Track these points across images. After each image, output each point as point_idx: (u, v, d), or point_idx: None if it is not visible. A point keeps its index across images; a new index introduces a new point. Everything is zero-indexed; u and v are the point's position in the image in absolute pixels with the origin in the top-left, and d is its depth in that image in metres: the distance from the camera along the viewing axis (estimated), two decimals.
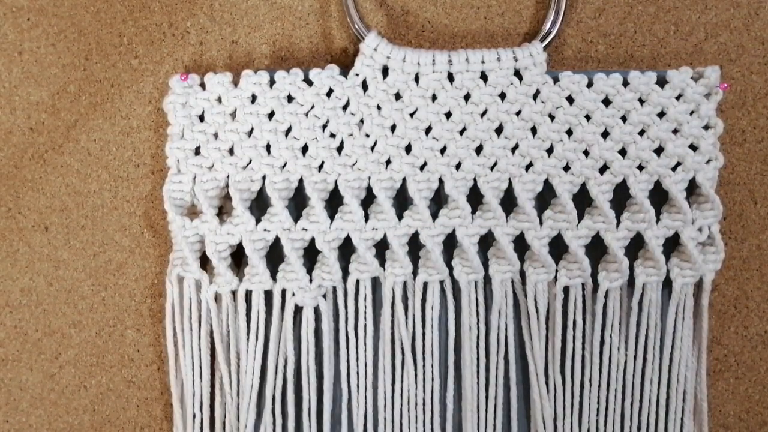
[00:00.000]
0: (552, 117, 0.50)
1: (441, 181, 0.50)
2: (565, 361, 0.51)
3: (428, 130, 0.50)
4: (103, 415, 0.53)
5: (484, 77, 0.50)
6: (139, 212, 0.53)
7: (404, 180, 0.50)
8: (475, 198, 0.50)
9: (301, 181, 0.50)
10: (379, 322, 0.51)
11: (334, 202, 0.50)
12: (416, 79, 0.50)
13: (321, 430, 0.51)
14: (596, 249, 0.51)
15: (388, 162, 0.50)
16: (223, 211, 0.51)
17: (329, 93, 0.50)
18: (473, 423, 0.51)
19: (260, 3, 0.52)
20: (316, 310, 0.50)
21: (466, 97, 0.50)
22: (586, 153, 0.50)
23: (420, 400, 0.51)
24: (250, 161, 0.50)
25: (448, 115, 0.50)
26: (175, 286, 0.50)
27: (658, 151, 0.50)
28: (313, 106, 0.50)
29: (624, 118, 0.50)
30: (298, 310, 0.50)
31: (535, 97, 0.50)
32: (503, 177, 0.50)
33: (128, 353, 0.53)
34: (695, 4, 0.53)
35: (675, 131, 0.50)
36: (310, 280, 0.50)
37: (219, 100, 0.50)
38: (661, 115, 0.50)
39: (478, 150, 0.50)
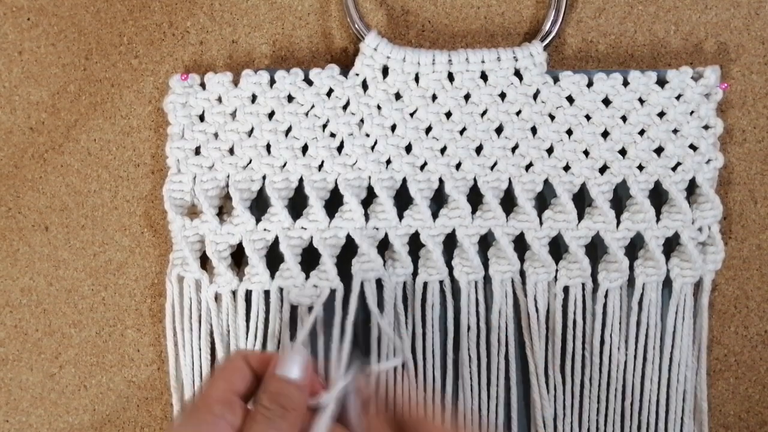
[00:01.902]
0: (552, 117, 0.50)
1: (441, 181, 0.50)
2: (565, 361, 0.51)
3: (428, 130, 0.50)
4: (103, 414, 0.53)
5: (484, 77, 0.50)
6: (139, 212, 0.53)
7: (404, 180, 0.50)
8: (475, 198, 0.50)
9: (301, 180, 0.50)
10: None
11: (336, 204, 0.50)
12: (416, 79, 0.50)
13: None
14: (596, 249, 0.51)
15: (389, 162, 0.50)
16: (223, 211, 0.51)
17: (329, 93, 0.50)
18: (473, 423, 0.51)
19: (260, 3, 0.52)
20: (311, 310, 0.50)
21: (466, 97, 0.50)
22: (586, 153, 0.50)
23: (420, 400, 0.51)
24: (250, 161, 0.50)
25: (448, 115, 0.50)
26: (175, 286, 0.50)
27: (658, 151, 0.50)
28: (313, 106, 0.50)
29: (624, 118, 0.50)
30: (294, 309, 0.50)
31: (535, 97, 0.50)
32: (503, 177, 0.50)
33: (128, 353, 0.53)
34: (695, 4, 0.53)
35: (675, 131, 0.50)
36: (306, 278, 0.50)
37: (219, 99, 0.50)
38: (661, 115, 0.50)
39: (478, 150, 0.50)
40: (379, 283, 0.50)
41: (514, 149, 0.50)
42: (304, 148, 0.50)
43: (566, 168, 0.50)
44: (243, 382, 0.40)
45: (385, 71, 0.50)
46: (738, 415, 0.54)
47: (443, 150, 0.50)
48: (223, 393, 0.39)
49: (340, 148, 0.50)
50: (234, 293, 0.50)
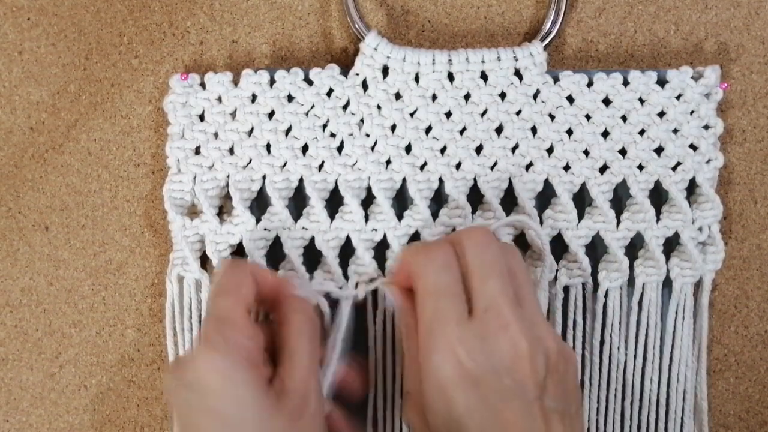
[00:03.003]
0: (552, 117, 0.50)
1: (441, 181, 0.50)
2: None
3: (428, 130, 0.50)
4: (104, 414, 0.53)
5: (484, 77, 0.50)
6: (139, 212, 0.53)
7: (404, 180, 0.50)
8: (475, 198, 0.50)
9: (301, 180, 0.50)
10: (377, 323, 0.50)
11: (336, 202, 0.50)
12: (416, 78, 0.50)
13: None
14: (596, 249, 0.51)
15: (388, 162, 0.50)
16: (224, 211, 0.51)
17: (329, 93, 0.50)
18: None
19: (260, 2, 0.52)
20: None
21: (466, 97, 0.50)
22: (586, 153, 0.50)
23: None
24: (251, 161, 0.50)
25: (448, 115, 0.50)
26: (175, 286, 0.50)
27: (658, 151, 0.50)
28: (313, 106, 0.50)
29: (624, 118, 0.50)
30: None
31: (535, 96, 0.50)
32: (503, 177, 0.50)
33: (128, 353, 0.53)
34: (695, 3, 0.53)
35: (675, 131, 0.50)
36: (311, 279, 0.50)
37: (219, 99, 0.50)
38: (661, 114, 0.50)
39: (478, 150, 0.50)
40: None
41: (514, 149, 0.50)
42: (304, 148, 0.50)
43: (566, 168, 0.50)
44: (251, 295, 0.42)
45: (385, 71, 0.50)
46: (738, 414, 0.54)
47: (443, 150, 0.50)
48: (241, 308, 0.41)
49: (340, 148, 0.50)
50: None
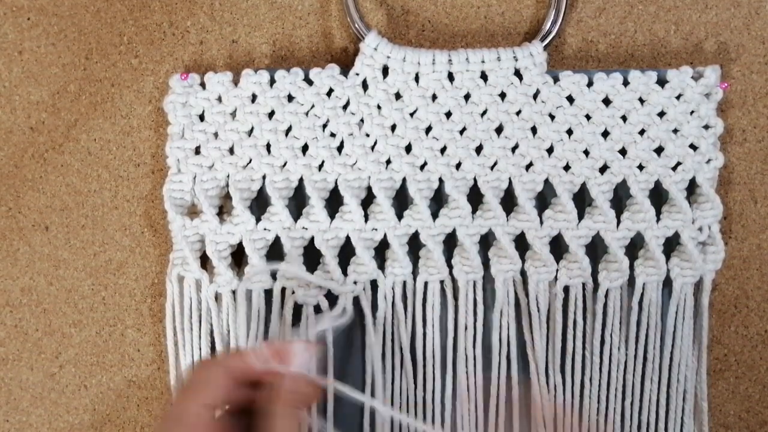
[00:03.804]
0: (552, 117, 0.50)
1: (441, 181, 0.50)
2: (565, 361, 0.51)
3: (428, 130, 0.50)
4: (104, 414, 0.53)
5: (484, 77, 0.50)
6: (139, 212, 0.53)
7: (404, 180, 0.50)
8: (475, 198, 0.50)
9: (301, 180, 0.50)
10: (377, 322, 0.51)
11: (336, 202, 0.50)
12: (416, 78, 0.50)
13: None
14: (596, 249, 0.51)
15: (388, 162, 0.50)
16: (223, 211, 0.51)
17: (329, 92, 0.50)
18: (472, 423, 0.51)
19: (260, 2, 0.52)
20: (317, 309, 0.50)
21: (466, 97, 0.50)
22: (586, 153, 0.50)
23: (420, 400, 0.51)
24: (250, 161, 0.50)
25: (448, 115, 0.50)
26: (176, 286, 0.50)
27: (658, 150, 0.50)
28: (313, 106, 0.50)
29: (624, 118, 0.50)
30: (298, 309, 0.50)
31: (535, 97, 0.50)
32: (503, 177, 0.50)
33: (128, 353, 0.53)
34: (695, 3, 0.52)
35: (675, 131, 0.50)
36: None
37: (219, 99, 0.50)
38: (661, 114, 0.50)
39: (478, 150, 0.50)
40: (376, 284, 0.50)
41: (514, 149, 0.50)
42: (304, 148, 0.50)
43: (566, 168, 0.50)
44: (220, 394, 0.40)
45: (385, 71, 0.50)
46: (738, 414, 0.54)
47: (443, 150, 0.50)
48: (201, 409, 0.39)
49: (340, 148, 0.50)
50: (234, 293, 0.50)
